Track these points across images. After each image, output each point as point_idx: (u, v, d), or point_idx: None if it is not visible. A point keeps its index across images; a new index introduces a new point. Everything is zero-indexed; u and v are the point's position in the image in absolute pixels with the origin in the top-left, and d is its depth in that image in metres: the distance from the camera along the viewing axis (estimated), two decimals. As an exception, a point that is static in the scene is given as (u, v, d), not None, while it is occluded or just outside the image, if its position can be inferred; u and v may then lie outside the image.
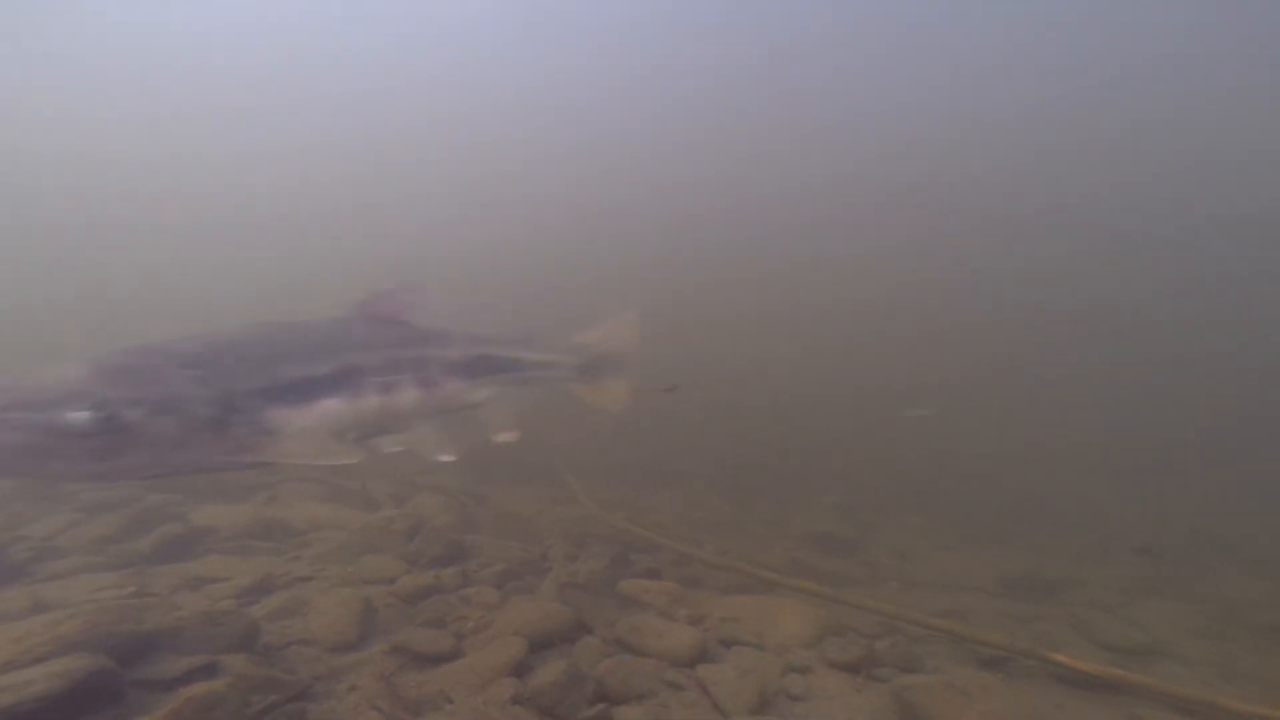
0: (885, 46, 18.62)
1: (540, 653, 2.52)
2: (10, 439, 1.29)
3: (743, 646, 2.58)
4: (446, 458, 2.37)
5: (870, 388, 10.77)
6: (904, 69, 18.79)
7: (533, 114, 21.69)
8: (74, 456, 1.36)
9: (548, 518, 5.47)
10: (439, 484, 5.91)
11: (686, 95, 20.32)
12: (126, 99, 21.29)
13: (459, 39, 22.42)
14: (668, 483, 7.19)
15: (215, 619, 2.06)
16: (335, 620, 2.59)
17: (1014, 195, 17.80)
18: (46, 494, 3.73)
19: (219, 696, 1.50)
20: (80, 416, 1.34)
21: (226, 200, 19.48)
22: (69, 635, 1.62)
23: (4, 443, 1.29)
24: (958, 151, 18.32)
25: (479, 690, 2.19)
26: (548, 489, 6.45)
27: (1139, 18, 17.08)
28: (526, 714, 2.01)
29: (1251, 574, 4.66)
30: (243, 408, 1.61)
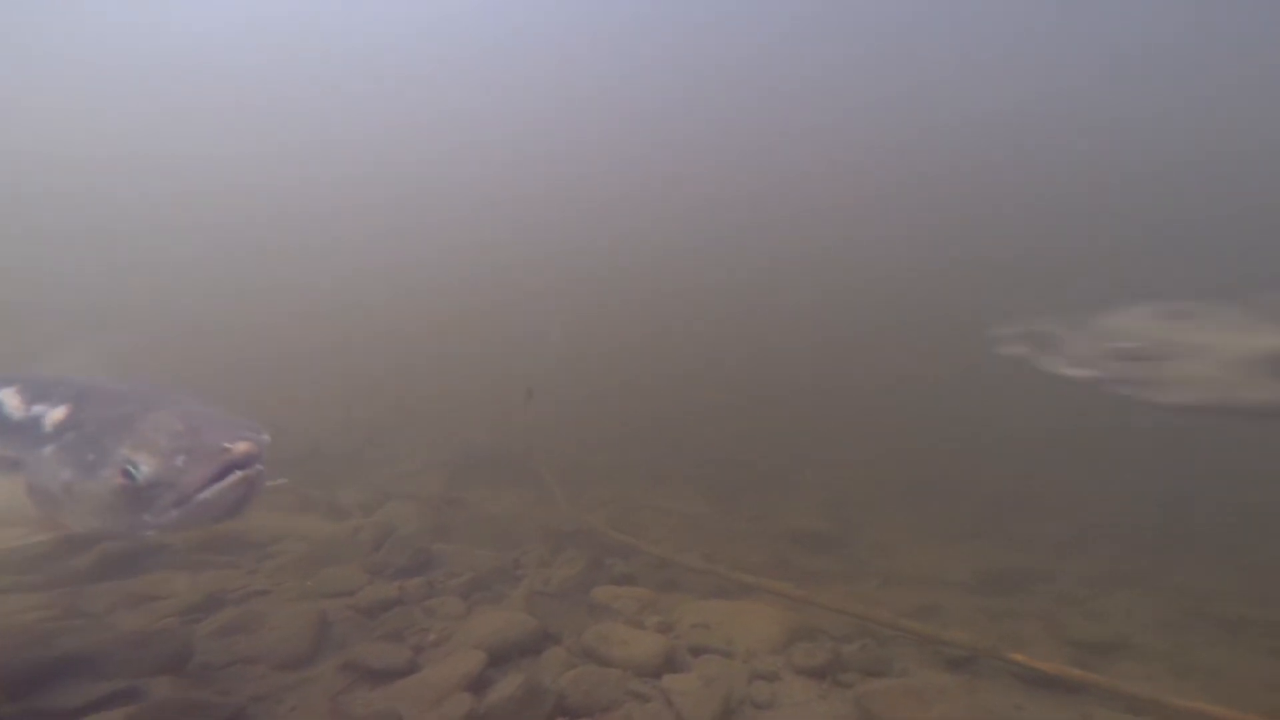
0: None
1: (501, 665, 2.42)
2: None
3: (710, 654, 2.51)
4: None
5: (850, 382, 10.82)
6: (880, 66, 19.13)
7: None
8: None
9: (526, 522, 5.36)
10: (414, 491, 5.76)
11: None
12: (126, 99, 20.83)
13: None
14: (651, 481, 7.11)
15: (143, 639, 1.93)
16: (287, 636, 2.46)
17: (989, 188, 18.11)
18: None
19: (133, 725, 1.37)
20: None
21: (225, 202, 19.06)
22: (-34, 665, 1.48)
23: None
24: (940, 144, 18.61)
25: (432, 707, 2.08)
26: (530, 491, 6.33)
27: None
28: (480, 731, 1.91)
29: (1222, 565, 4.72)
30: None
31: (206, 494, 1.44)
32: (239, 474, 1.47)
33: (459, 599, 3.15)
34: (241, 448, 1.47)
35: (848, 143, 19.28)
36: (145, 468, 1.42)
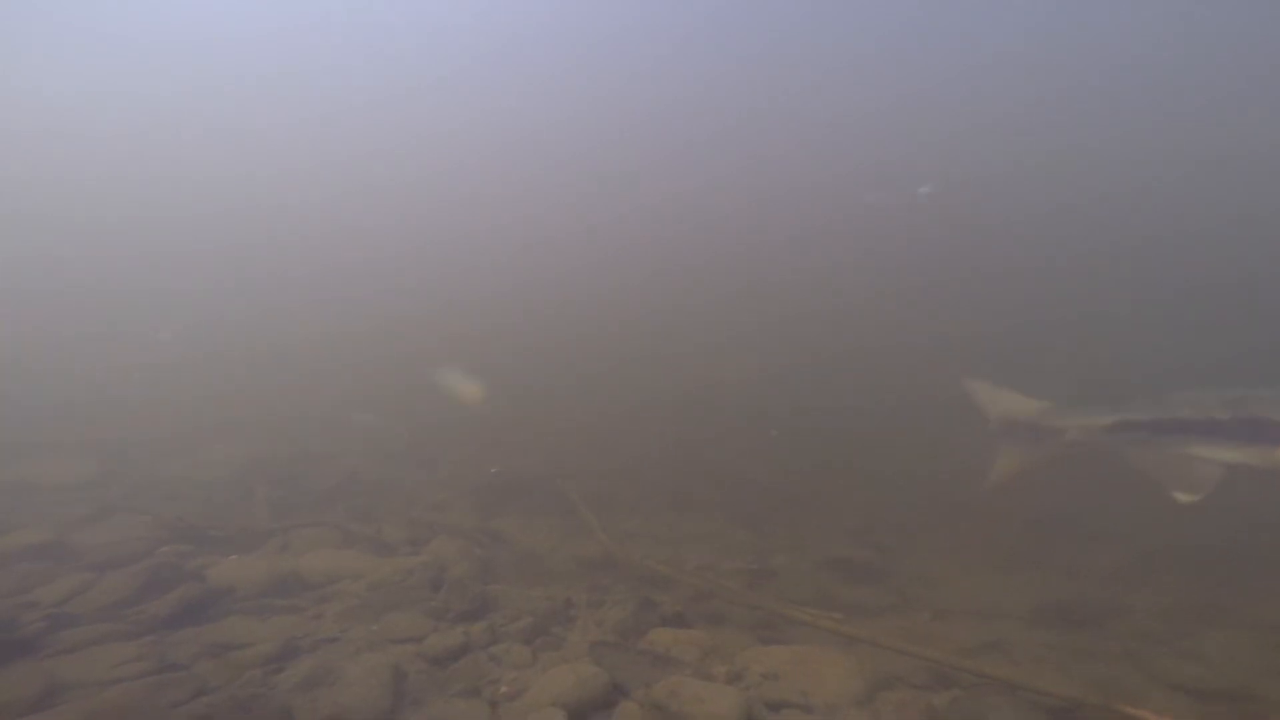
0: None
1: (580, 722, 2.43)
2: None
3: (790, 709, 2.49)
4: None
5: (877, 400, 10.72)
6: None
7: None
8: None
9: (563, 555, 5.36)
10: (452, 523, 5.80)
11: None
12: (127, 101, 21.63)
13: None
14: (677, 508, 7.07)
15: (244, 703, 1.97)
16: (366, 691, 2.49)
17: (1004, 198, 18.11)
18: (51, 551, 3.62)
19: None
20: None
21: (247, 219, 19.60)
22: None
23: None
24: (942, 153, 18.72)
25: (524, 772, 2.09)
26: (561, 520, 6.32)
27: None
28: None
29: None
30: None
31: None
32: None
33: (523, 645, 3.17)
34: None
35: (865, 150, 19.45)
36: None
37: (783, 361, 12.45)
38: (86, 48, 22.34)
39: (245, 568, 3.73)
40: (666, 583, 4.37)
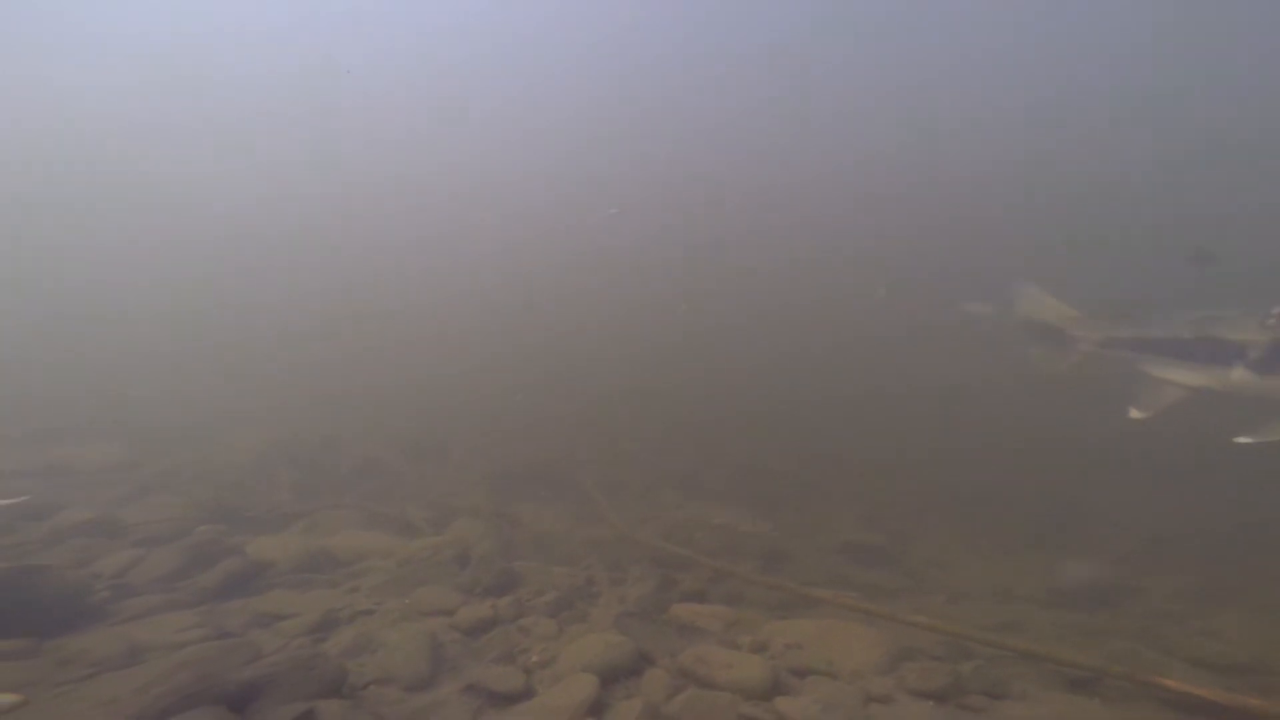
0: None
1: (610, 688, 2.55)
2: None
3: (816, 676, 2.59)
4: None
5: (889, 389, 10.75)
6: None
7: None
8: None
9: (579, 538, 5.49)
10: (471, 505, 5.94)
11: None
12: (127, 106, 21.73)
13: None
14: (689, 494, 7.20)
15: (306, 663, 2.10)
16: (408, 657, 2.63)
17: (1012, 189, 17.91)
18: (101, 528, 3.79)
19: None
20: None
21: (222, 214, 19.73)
22: (186, 686, 1.67)
23: None
24: (962, 146, 18.49)
25: (562, 730, 2.21)
26: (573, 506, 6.46)
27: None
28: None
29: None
30: None
31: None
32: None
33: (549, 618, 3.30)
34: None
35: (889, 138, 19.21)
36: None
37: (790, 351, 12.48)
38: (110, 47, 22.37)
39: (280, 545, 3.88)
40: (685, 563, 4.49)
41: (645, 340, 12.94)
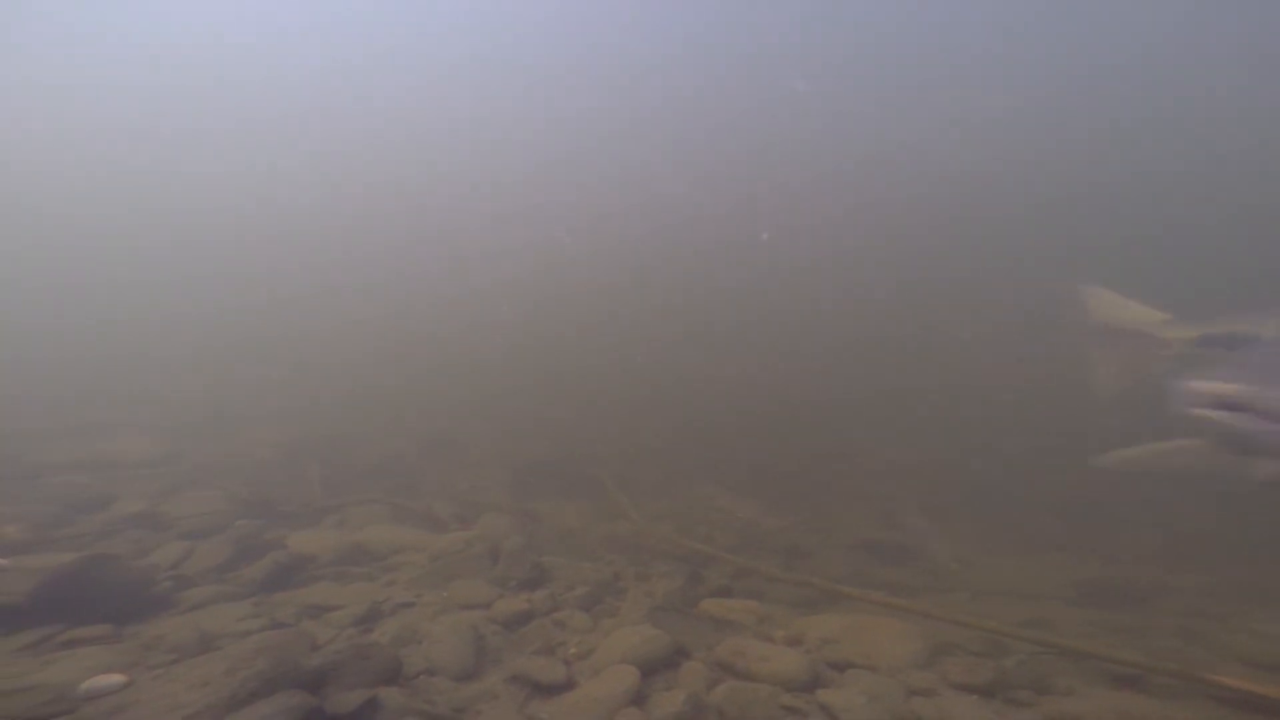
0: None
1: (649, 679, 2.61)
2: None
3: (855, 669, 2.63)
4: None
5: (906, 386, 10.71)
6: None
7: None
8: None
9: (598, 534, 5.57)
10: (494, 502, 6.04)
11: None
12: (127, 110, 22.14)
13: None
14: (706, 492, 7.24)
15: (364, 652, 2.19)
16: (453, 648, 2.71)
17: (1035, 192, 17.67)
18: (150, 521, 3.93)
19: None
20: None
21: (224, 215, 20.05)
22: (267, 671, 1.76)
23: None
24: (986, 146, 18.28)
25: (608, 720, 2.28)
26: (590, 502, 6.53)
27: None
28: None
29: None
30: None
31: None
32: None
33: (582, 612, 3.38)
34: None
35: (905, 136, 19.05)
36: None
37: (808, 351, 12.46)
38: (106, 47, 22.80)
39: (318, 539, 4.00)
40: (708, 560, 4.55)
41: (664, 338, 12.98)
